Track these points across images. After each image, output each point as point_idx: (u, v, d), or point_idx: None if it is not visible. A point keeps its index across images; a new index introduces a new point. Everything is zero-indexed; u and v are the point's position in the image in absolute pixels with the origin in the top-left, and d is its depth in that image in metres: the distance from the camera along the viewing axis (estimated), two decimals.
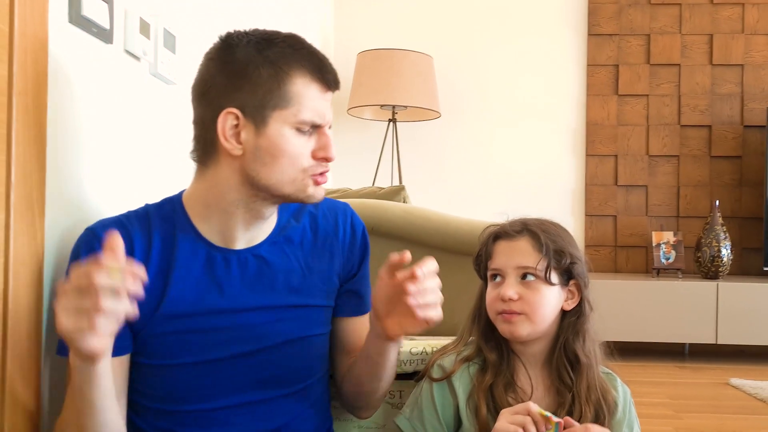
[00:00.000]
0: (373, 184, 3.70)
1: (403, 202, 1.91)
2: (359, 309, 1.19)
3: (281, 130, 1.00)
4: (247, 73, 0.99)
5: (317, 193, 1.05)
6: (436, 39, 3.92)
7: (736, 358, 3.62)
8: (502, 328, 1.17)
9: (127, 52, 1.30)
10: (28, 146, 0.99)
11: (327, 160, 1.04)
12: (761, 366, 3.42)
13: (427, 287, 0.97)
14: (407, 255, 0.98)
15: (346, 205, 1.21)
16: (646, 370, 3.32)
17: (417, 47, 3.68)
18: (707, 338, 3.42)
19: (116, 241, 0.80)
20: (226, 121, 0.99)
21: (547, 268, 1.14)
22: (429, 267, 0.97)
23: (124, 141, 1.30)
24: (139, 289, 0.80)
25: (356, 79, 3.58)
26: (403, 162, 3.75)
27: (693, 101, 3.88)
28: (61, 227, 1.09)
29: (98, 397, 0.90)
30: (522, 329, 1.15)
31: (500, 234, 1.20)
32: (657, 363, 3.48)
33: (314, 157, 1.03)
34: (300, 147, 1.01)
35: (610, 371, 1.23)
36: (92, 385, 0.89)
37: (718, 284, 3.42)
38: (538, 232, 1.16)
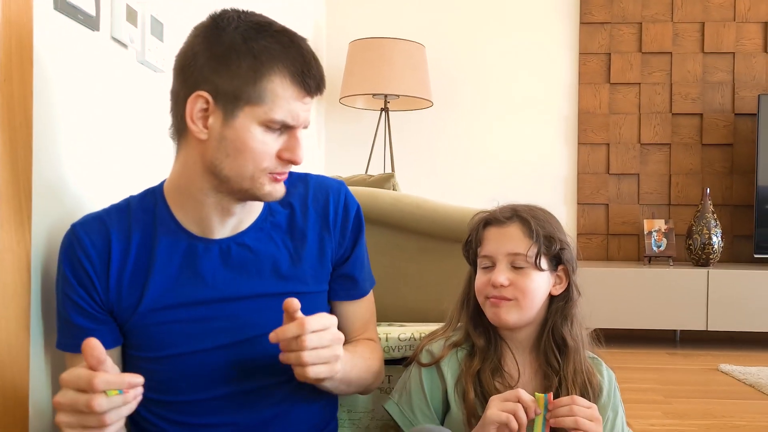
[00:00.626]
0: (366, 172, 3.70)
1: (393, 189, 1.91)
2: (353, 293, 1.16)
3: (249, 125, 0.97)
4: (227, 60, 0.96)
5: (275, 191, 1.02)
6: (428, 28, 3.91)
7: (726, 344, 3.65)
8: (491, 313, 1.17)
9: (114, 39, 1.30)
10: (14, 133, 0.99)
11: (292, 162, 1.01)
12: (751, 352, 3.45)
13: (314, 338, 0.93)
14: (294, 303, 0.94)
15: (340, 183, 1.16)
16: (637, 356, 3.34)
17: (409, 36, 3.68)
18: (698, 325, 3.44)
19: (97, 351, 0.80)
20: (196, 103, 0.97)
21: (538, 254, 1.15)
22: (311, 325, 0.92)
23: (111, 129, 1.29)
24: (139, 393, 0.83)
25: (348, 69, 3.57)
26: (396, 151, 3.75)
27: (684, 89, 3.89)
28: (49, 214, 1.08)
29: None
30: (510, 315, 1.15)
31: (490, 220, 1.20)
32: (648, 350, 3.51)
33: (280, 157, 1.00)
34: (265, 145, 0.98)
35: (596, 356, 1.25)
36: None
37: (708, 271, 3.44)
38: (528, 218, 1.17)
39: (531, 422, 1.05)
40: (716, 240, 3.57)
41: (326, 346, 0.94)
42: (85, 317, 1.02)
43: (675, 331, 3.75)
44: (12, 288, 0.99)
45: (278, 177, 1.01)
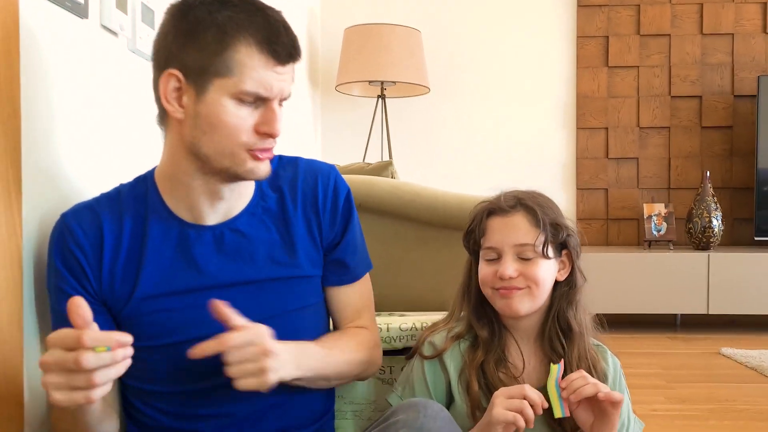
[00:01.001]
0: (363, 160, 3.68)
1: (391, 177, 1.89)
2: (345, 278, 1.14)
3: (220, 99, 0.94)
4: (193, 35, 0.94)
5: (258, 169, 0.99)
6: (423, 13, 3.87)
7: (727, 327, 3.64)
8: (501, 304, 1.15)
9: (104, 27, 1.27)
10: (1, 124, 0.96)
11: (270, 135, 0.98)
12: (752, 335, 3.44)
13: (236, 354, 0.91)
14: (221, 311, 0.92)
15: (330, 167, 1.14)
16: (638, 341, 3.33)
17: (404, 22, 3.64)
18: (698, 309, 3.43)
19: (83, 310, 0.79)
20: (168, 82, 0.96)
21: (545, 243, 1.13)
22: (231, 342, 0.90)
23: (102, 119, 1.27)
24: (128, 353, 0.81)
25: (344, 56, 3.53)
26: (393, 138, 3.73)
27: (683, 72, 3.85)
28: (41, 206, 1.06)
29: (90, 418, 0.94)
30: (522, 305, 1.13)
31: (494, 210, 1.17)
32: (649, 334, 3.50)
33: (257, 131, 0.97)
34: (239, 119, 0.95)
35: (600, 343, 1.23)
36: (84, 412, 0.92)
37: (709, 255, 3.43)
38: (533, 207, 1.14)
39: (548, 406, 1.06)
40: (716, 223, 3.55)
41: (250, 360, 0.91)
42: None
43: (675, 315, 3.74)
44: (4, 283, 0.96)
45: (259, 155, 0.98)
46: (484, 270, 1.16)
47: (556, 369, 1.07)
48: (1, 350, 0.96)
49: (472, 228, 1.19)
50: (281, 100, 0.99)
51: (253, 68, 0.94)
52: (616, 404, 1.05)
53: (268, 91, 0.96)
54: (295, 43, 0.98)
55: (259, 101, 0.96)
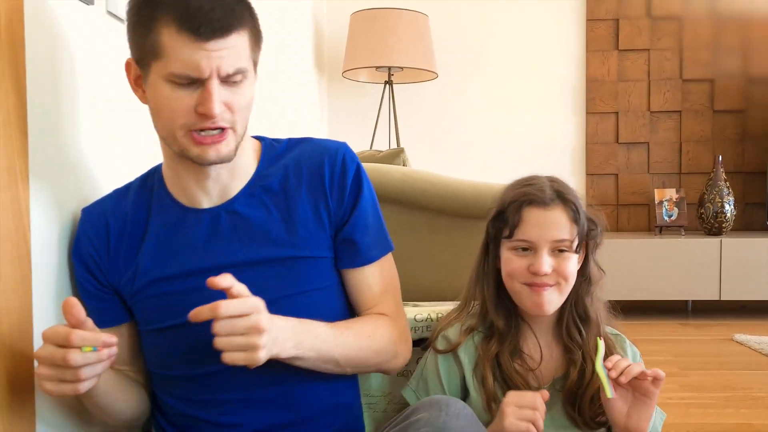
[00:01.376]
0: (371, 148, 3.65)
1: (403, 165, 1.86)
2: (357, 259, 1.09)
3: (157, 82, 0.93)
4: (133, 20, 0.95)
5: (207, 154, 0.95)
6: None
7: (740, 313, 3.61)
8: (529, 303, 1.11)
9: (110, 13, 1.24)
10: (7, 114, 0.94)
11: (205, 115, 0.92)
12: (765, 321, 3.41)
13: (225, 325, 0.87)
14: (218, 282, 0.87)
15: (340, 144, 1.10)
16: (650, 328, 3.31)
17: (411, 6, 3.59)
18: (711, 295, 3.40)
19: (75, 310, 0.86)
20: (129, 71, 0.99)
21: (580, 240, 1.12)
22: (224, 310, 0.86)
23: (111, 109, 1.25)
24: (113, 352, 0.88)
25: (350, 41, 3.49)
26: (401, 125, 3.69)
27: (695, 54, 3.80)
28: (48, 198, 1.04)
29: (99, 402, 1.00)
30: (552, 304, 1.11)
31: (534, 200, 1.11)
32: (660, 321, 3.47)
33: (196, 111, 0.93)
34: (175, 101, 0.93)
35: (619, 333, 1.21)
36: (88, 397, 0.97)
37: (721, 240, 3.40)
38: (573, 201, 1.12)
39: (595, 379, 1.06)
40: (729, 208, 3.51)
41: (241, 333, 0.87)
42: (92, 298, 1.06)
43: (687, 301, 3.71)
44: (12, 279, 0.95)
45: (203, 140, 0.95)
46: (515, 262, 1.12)
47: (602, 346, 1.05)
48: (12, 344, 0.95)
49: (505, 214, 1.13)
50: (226, 77, 0.93)
51: (176, 48, 0.90)
52: (658, 382, 1.03)
53: (197, 71, 0.91)
54: (226, 15, 0.91)
55: (197, 82, 0.92)
